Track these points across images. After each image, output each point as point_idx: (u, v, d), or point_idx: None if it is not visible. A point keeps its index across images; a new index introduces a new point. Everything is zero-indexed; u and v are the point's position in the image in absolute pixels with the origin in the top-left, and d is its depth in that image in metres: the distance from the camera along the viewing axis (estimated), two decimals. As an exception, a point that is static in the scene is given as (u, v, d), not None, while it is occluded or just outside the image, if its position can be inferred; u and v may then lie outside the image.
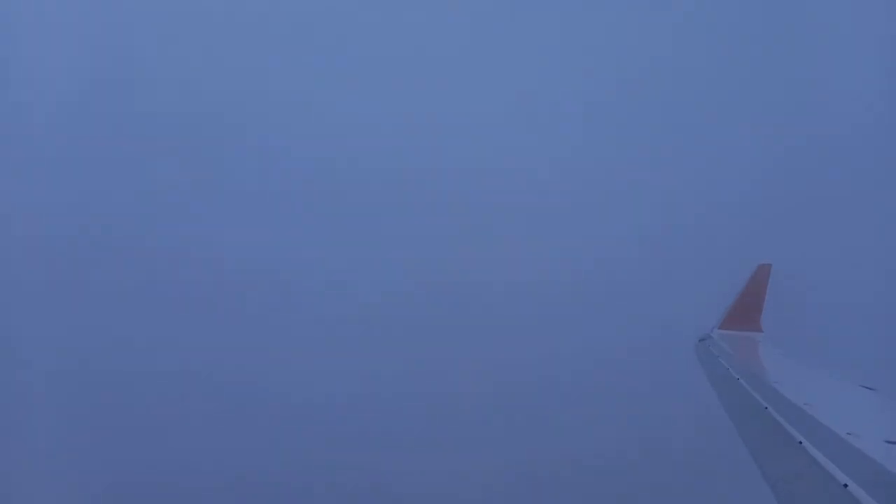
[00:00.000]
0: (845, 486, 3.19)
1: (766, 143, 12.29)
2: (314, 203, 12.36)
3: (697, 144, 12.51)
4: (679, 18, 12.45)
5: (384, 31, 12.75)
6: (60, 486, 11.98)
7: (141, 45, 12.45)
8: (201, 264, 12.19)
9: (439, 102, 12.47)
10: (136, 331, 12.32)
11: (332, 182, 12.45)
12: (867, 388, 5.94)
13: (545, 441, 11.90)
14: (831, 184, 11.89)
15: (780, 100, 12.32)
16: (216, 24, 12.49)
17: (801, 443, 3.96)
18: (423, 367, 12.03)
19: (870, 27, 11.92)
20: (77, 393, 12.22)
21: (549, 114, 12.65)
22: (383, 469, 11.90)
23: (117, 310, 12.29)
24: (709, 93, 12.46)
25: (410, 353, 12.01)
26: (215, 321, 12.26)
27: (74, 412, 12.24)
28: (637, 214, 12.52)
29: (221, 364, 12.20)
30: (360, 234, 12.37)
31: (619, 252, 12.43)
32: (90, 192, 12.33)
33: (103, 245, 12.29)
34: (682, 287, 11.99)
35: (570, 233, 12.50)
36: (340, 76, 12.64)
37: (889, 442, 3.88)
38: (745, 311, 10.03)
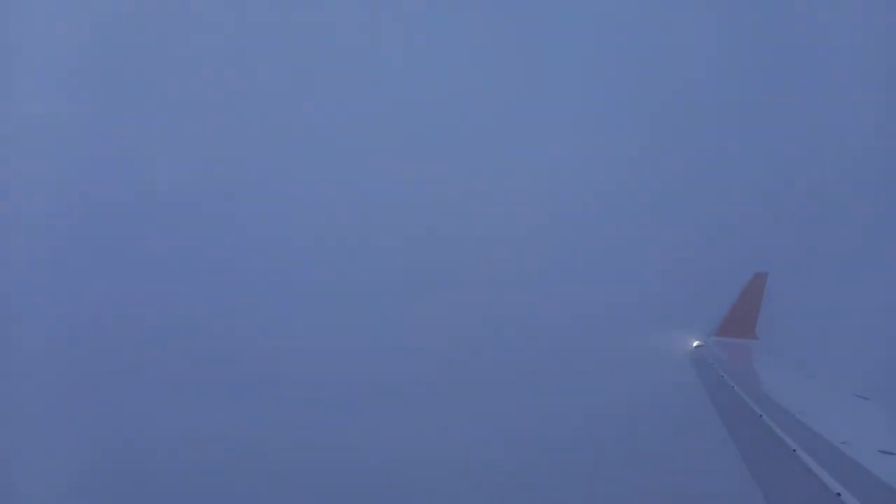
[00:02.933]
0: (838, 494, 3.21)
1: (765, 154, 12.34)
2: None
3: (697, 154, 12.56)
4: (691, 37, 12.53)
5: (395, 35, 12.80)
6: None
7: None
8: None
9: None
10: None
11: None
12: (861, 397, 5.97)
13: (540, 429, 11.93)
14: (828, 196, 11.95)
15: (781, 113, 12.38)
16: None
17: (795, 451, 3.98)
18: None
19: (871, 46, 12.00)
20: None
21: (544, 120, 12.71)
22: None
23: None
24: (709, 106, 12.52)
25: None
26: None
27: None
28: (635, 219, 12.56)
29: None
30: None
31: (616, 256, 12.47)
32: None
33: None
34: (678, 293, 12.00)
35: (569, 235, 12.54)
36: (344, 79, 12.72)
37: (883, 451, 3.90)
38: (741, 319, 10.04)
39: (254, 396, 12.09)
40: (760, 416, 4.99)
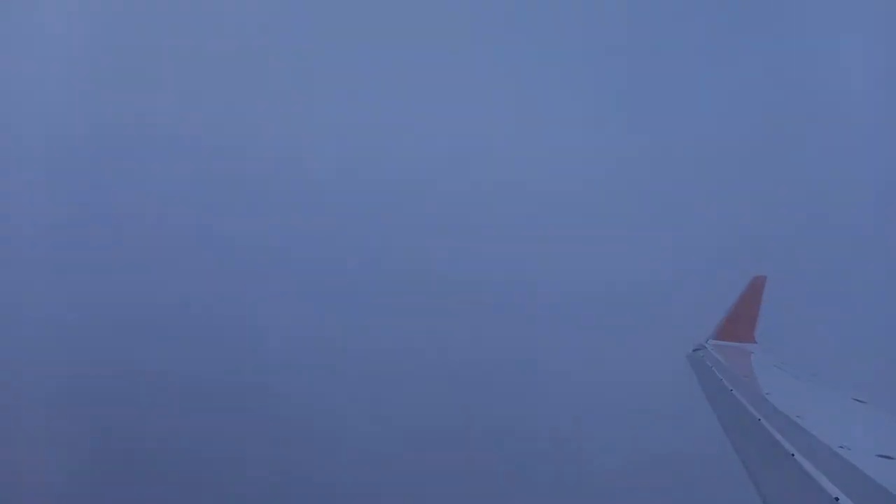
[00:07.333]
0: (836, 499, 3.20)
1: (767, 151, 12.35)
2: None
3: (700, 153, 12.59)
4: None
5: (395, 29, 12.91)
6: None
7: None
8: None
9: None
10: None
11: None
12: (859, 401, 5.95)
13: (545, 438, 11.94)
14: (827, 198, 11.96)
15: (782, 113, 12.41)
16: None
17: (793, 455, 3.96)
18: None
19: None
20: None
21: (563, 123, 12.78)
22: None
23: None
24: (715, 105, 12.55)
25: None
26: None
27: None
28: (638, 220, 12.58)
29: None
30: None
31: (617, 258, 12.47)
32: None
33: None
34: (678, 296, 12.00)
35: (579, 241, 12.60)
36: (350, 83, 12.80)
37: (881, 456, 3.89)
38: (740, 322, 10.00)
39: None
40: (759, 419, 4.97)
